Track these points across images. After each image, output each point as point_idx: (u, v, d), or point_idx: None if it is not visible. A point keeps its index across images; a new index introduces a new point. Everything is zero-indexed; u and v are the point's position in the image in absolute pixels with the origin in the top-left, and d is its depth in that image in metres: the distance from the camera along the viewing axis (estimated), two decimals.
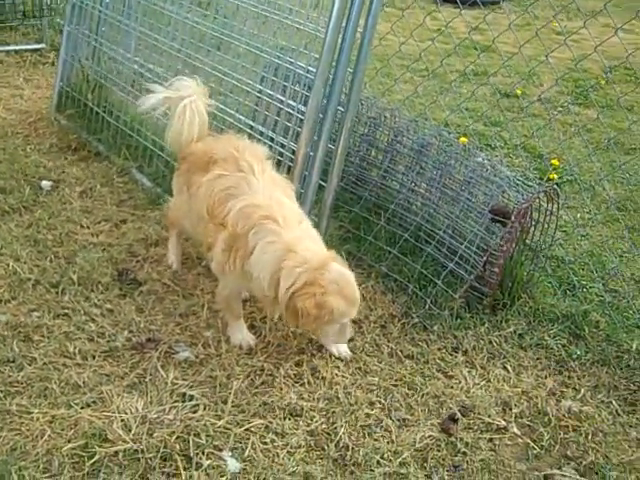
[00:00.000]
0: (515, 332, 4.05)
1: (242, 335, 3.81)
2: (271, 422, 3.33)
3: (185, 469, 3.05)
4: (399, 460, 3.18)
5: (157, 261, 4.42)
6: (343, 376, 3.66)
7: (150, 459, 3.07)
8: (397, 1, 8.66)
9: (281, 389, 3.53)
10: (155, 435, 3.18)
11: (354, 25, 4.26)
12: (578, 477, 3.20)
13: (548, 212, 4.27)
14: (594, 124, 6.91)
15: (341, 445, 3.24)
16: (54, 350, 3.65)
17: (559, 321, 4.14)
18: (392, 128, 5.01)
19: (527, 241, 4.30)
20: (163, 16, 5.52)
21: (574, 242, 4.93)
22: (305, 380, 3.60)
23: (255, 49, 4.91)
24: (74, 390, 3.41)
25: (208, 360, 3.69)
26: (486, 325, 4.07)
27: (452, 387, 3.65)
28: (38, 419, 3.22)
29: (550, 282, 4.44)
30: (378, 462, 3.17)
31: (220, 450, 3.16)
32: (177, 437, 3.18)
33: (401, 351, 3.86)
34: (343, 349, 3.79)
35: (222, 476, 3.04)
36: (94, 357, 3.63)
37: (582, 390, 3.68)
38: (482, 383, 3.69)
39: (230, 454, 3.15)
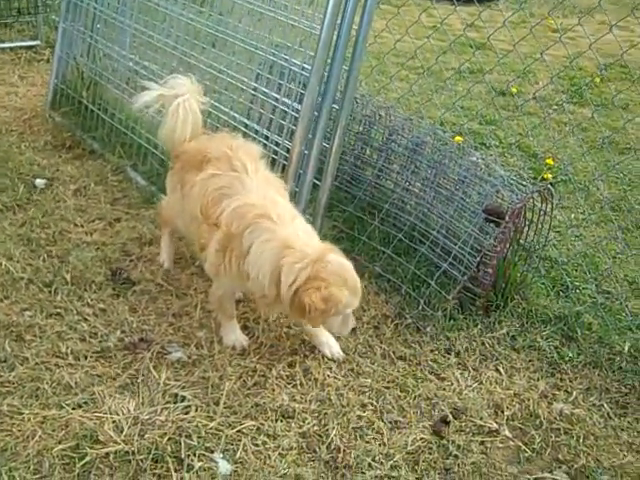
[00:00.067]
0: (508, 334, 4.05)
1: (235, 336, 3.81)
2: (263, 424, 3.32)
3: (176, 471, 3.05)
4: (390, 463, 3.19)
5: (151, 260, 4.41)
6: (335, 378, 3.65)
7: (141, 460, 3.07)
8: None
9: (273, 390, 3.53)
10: (146, 436, 3.18)
11: (349, 22, 4.24)
12: None
13: (542, 212, 4.26)
14: (589, 123, 6.91)
15: (333, 447, 3.24)
16: (46, 350, 3.64)
17: (552, 323, 4.14)
18: (387, 127, 5.00)
19: (521, 241, 4.29)
20: (158, 13, 5.51)
21: (568, 243, 4.93)
22: (297, 381, 3.60)
23: (250, 46, 4.90)
24: (66, 391, 3.40)
25: (201, 361, 3.68)
26: (479, 326, 4.07)
27: (444, 389, 3.65)
28: (29, 420, 3.21)
29: (543, 283, 4.44)
30: (369, 465, 3.17)
31: (211, 452, 3.16)
32: (169, 438, 3.18)
33: (394, 352, 3.86)
34: (336, 350, 3.78)
35: (213, 478, 3.04)
36: (86, 357, 3.62)
37: (574, 393, 3.68)
38: (474, 385, 3.69)
39: (221, 456, 3.15)
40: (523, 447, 3.34)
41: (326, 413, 3.42)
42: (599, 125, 6.90)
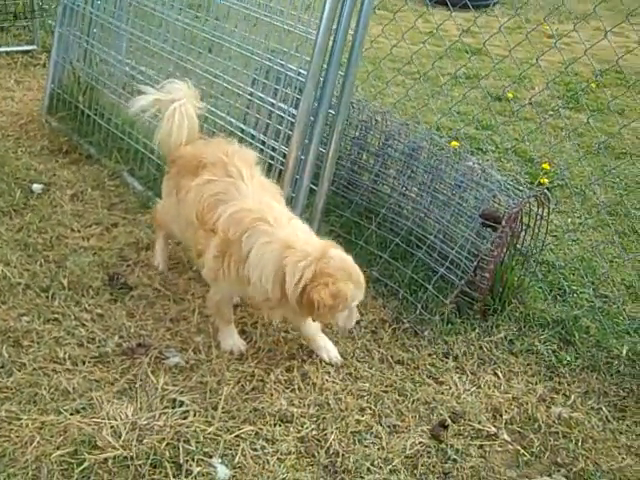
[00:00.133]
0: (506, 338, 4.05)
1: (233, 340, 3.80)
2: (261, 428, 3.32)
3: (175, 476, 3.05)
4: (389, 467, 3.18)
5: (148, 265, 4.41)
6: (334, 382, 3.65)
7: (140, 466, 3.07)
8: (389, 4, 8.66)
9: (271, 395, 3.53)
10: (145, 442, 3.18)
11: (345, 27, 4.26)
12: None
13: (539, 217, 4.27)
14: (585, 128, 6.92)
15: (331, 452, 3.24)
16: (44, 355, 3.64)
17: (549, 327, 4.14)
18: (383, 132, 5.01)
19: (518, 246, 4.30)
20: (154, 18, 5.51)
21: (565, 247, 4.94)
22: (296, 386, 3.60)
23: (246, 52, 4.90)
24: (64, 396, 3.39)
25: (198, 366, 3.68)
26: (477, 330, 4.07)
27: (442, 393, 3.65)
28: (27, 425, 3.21)
29: (541, 287, 4.45)
30: (368, 469, 3.17)
31: (210, 457, 3.15)
32: (167, 444, 3.18)
33: (392, 357, 3.86)
34: (334, 354, 3.78)
35: None
36: (84, 363, 3.61)
37: (572, 396, 3.68)
38: (472, 389, 3.69)
39: (220, 461, 3.14)
40: (522, 451, 3.34)
41: (324, 417, 3.42)
42: (595, 130, 6.91)
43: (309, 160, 4.44)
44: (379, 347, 3.93)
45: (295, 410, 3.44)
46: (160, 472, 3.05)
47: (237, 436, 3.27)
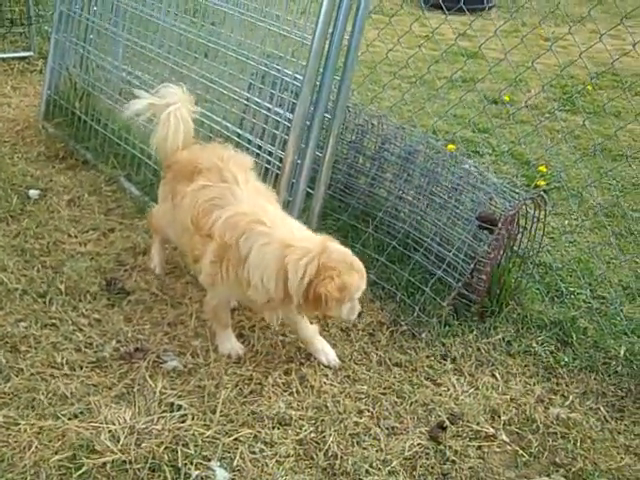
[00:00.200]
0: (503, 339, 4.05)
1: (230, 344, 3.80)
2: (260, 431, 3.32)
3: None
4: (388, 469, 3.18)
5: (145, 270, 4.41)
6: (332, 385, 3.65)
7: (138, 470, 3.07)
8: (385, 8, 8.68)
9: (270, 398, 3.53)
10: (143, 446, 3.17)
11: (341, 32, 4.27)
12: None
13: (535, 219, 4.27)
14: (581, 130, 6.93)
15: (330, 454, 3.23)
16: (41, 361, 3.63)
17: (547, 328, 4.14)
18: (380, 135, 5.02)
19: (515, 248, 4.30)
20: (151, 24, 5.52)
21: (562, 249, 4.95)
22: (294, 389, 3.60)
23: (242, 56, 4.92)
24: (62, 401, 3.39)
25: (196, 369, 3.68)
26: (474, 332, 4.07)
27: (441, 395, 3.64)
28: (25, 430, 3.20)
29: (538, 289, 4.45)
30: (367, 471, 3.16)
31: (209, 460, 3.15)
32: (165, 447, 3.17)
33: (390, 359, 3.86)
34: (332, 357, 3.79)
35: None
36: (82, 367, 3.61)
37: (570, 397, 3.68)
38: (470, 391, 3.69)
39: (219, 464, 3.14)
40: (520, 451, 3.34)
41: (323, 420, 3.41)
42: (591, 132, 6.92)
43: (305, 164, 4.45)
44: (377, 349, 3.93)
45: (293, 413, 3.44)
46: (159, 476, 3.05)
47: (235, 439, 3.27)
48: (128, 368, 3.64)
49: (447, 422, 3.45)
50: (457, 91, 7.83)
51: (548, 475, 3.23)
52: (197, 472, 3.08)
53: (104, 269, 4.38)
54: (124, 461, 3.09)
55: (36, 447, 3.13)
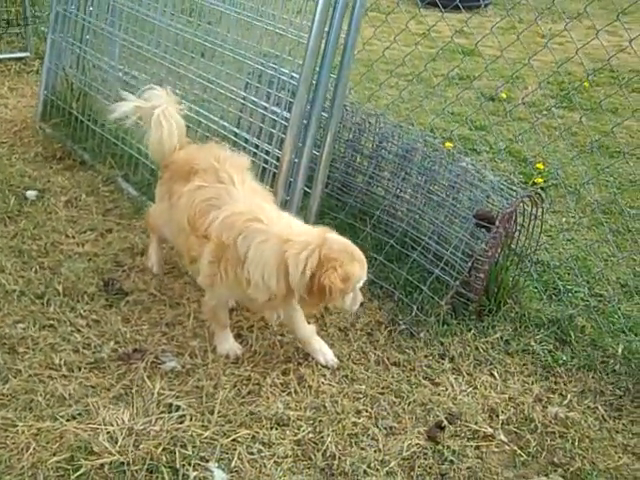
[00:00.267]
0: (501, 338, 4.05)
1: (229, 344, 3.80)
2: (258, 432, 3.31)
3: None
4: (386, 469, 3.18)
5: (143, 270, 4.41)
6: (330, 384, 3.65)
7: (136, 471, 3.06)
8: (381, 6, 8.67)
9: (268, 398, 3.52)
10: (141, 447, 3.17)
11: (337, 30, 4.27)
12: None
13: (533, 216, 4.27)
14: (578, 127, 6.94)
15: (328, 454, 3.23)
16: (39, 362, 3.63)
17: (545, 326, 4.14)
18: (377, 134, 5.02)
19: (512, 246, 4.30)
20: (147, 24, 5.51)
21: (559, 246, 4.94)
22: (292, 389, 3.60)
23: (239, 56, 4.92)
24: (59, 402, 3.39)
25: (195, 370, 3.67)
26: (472, 331, 4.07)
27: (439, 394, 3.64)
28: (23, 432, 3.20)
29: (536, 287, 4.45)
30: (365, 471, 3.16)
31: (207, 461, 3.15)
32: (163, 448, 3.17)
33: (388, 358, 3.86)
34: (330, 357, 3.78)
35: None
36: (80, 369, 3.61)
37: (568, 396, 3.68)
38: (469, 390, 3.69)
39: (217, 465, 3.13)
40: (518, 451, 3.33)
41: (321, 420, 3.41)
42: (588, 129, 6.93)
43: (303, 163, 4.45)
44: (375, 349, 3.93)
45: (291, 413, 3.44)
46: (157, 477, 3.05)
47: (234, 440, 3.26)
48: (126, 369, 3.64)
49: (445, 422, 3.45)
50: (454, 89, 7.83)
51: (546, 475, 3.23)
52: (195, 473, 3.08)
53: (102, 270, 4.38)
54: (122, 462, 3.08)
55: (34, 449, 3.12)
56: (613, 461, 3.31)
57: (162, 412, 3.38)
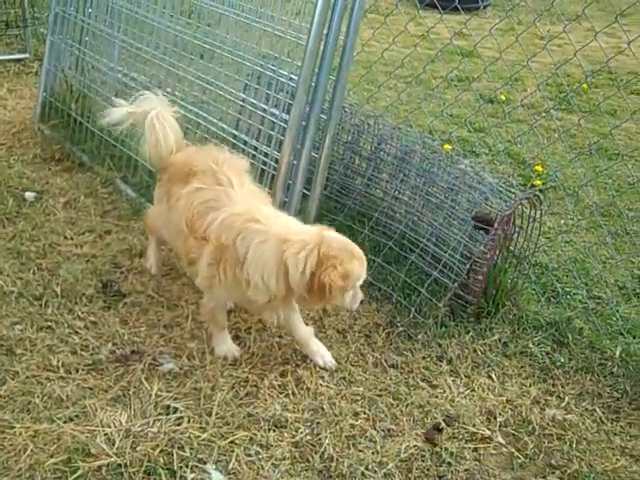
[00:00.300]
0: (499, 340, 4.05)
1: (227, 346, 3.80)
2: (255, 434, 3.32)
3: None
4: (384, 471, 3.18)
5: (141, 272, 4.41)
6: (328, 386, 3.65)
7: (134, 473, 3.06)
8: (380, 7, 8.68)
9: (265, 400, 3.52)
10: (139, 449, 3.17)
11: (336, 32, 4.27)
12: None
13: (531, 219, 4.27)
14: (577, 129, 6.94)
15: (326, 456, 3.23)
16: (37, 364, 3.63)
17: (543, 329, 4.14)
18: (376, 135, 5.02)
19: (511, 248, 4.30)
20: (146, 25, 5.51)
21: (558, 248, 4.94)
22: (290, 391, 3.60)
23: (238, 57, 4.91)
24: (57, 404, 3.39)
25: (192, 372, 3.67)
26: (470, 333, 4.07)
27: (437, 396, 3.64)
28: (21, 434, 3.20)
29: (534, 289, 4.45)
30: (363, 473, 3.16)
31: (204, 463, 3.15)
32: (161, 450, 3.17)
33: (386, 361, 3.86)
34: (328, 359, 3.78)
35: None
36: (77, 370, 3.61)
37: (566, 398, 3.68)
38: (467, 392, 3.69)
39: (214, 467, 3.13)
40: (516, 453, 3.34)
41: (319, 422, 3.41)
42: (587, 131, 6.93)
43: (301, 165, 4.45)
44: (373, 351, 3.93)
45: (289, 415, 3.44)
46: (154, 479, 3.05)
47: (231, 442, 3.26)
48: (124, 371, 3.64)
49: (443, 424, 3.45)
50: (453, 90, 7.83)
51: (544, 477, 3.23)
52: (193, 475, 3.08)
53: (100, 271, 4.38)
54: (119, 464, 3.09)
55: (31, 450, 3.13)
56: (611, 463, 3.31)
57: (160, 414, 3.38)
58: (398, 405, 3.57)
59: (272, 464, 3.17)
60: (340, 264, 3.31)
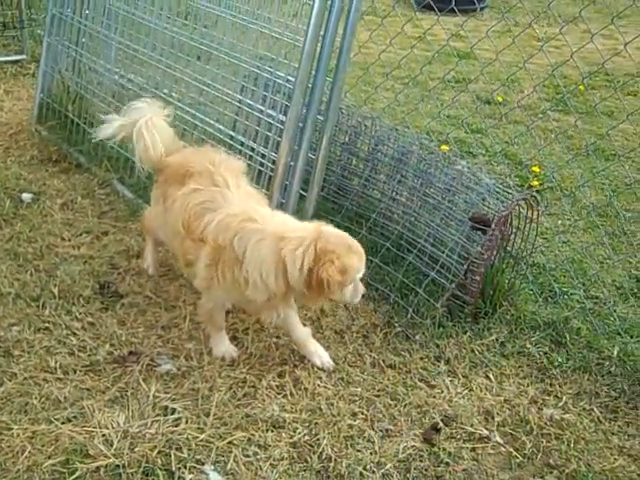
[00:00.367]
0: (497, 340, 4.05)
1: (224, 347, 3.80)
2: (253, 434, 3.32)
3: None
4: (382, 471, 3.18)
5: (139, 273, 4.41)
6: (325, 387, 3.65)
7: (132, 474, 3.06)
8: (377, 9, 8.68)
9: (263, 401, 3.52)
10: (137, 450, 3.17)
11: (332, 33, 4.27)
12: None
13: (528, 219, 4.28)
14: (574, 130, 6.95)
15: (324, 457, 3.23)
16: (35, 365, 3.63)
17: (540, 328, 4.14)
18: (373, 137, 5.02)
19: (508, 249, 4.30)
20: (143, 27, 5.51)
21: (555, 249, 4.95)
22: (287, 391, 3.60)
23: (234, 59, 4.91)
24: (55, 405, 3.39)
25: (190, 372, 3.67)
26: (468, 334, 4.08)
27: (434, 397, 3.65)
28: (18, 435, 3.20)
29: (531, 289, 4.46)
30: (361, 474, 3.16)
31: (202, 464, 3.15)
32: (159, 451, 3.17)
33: (383, 361, 3.86)
34: (325, 359, 3.78)
35: None
36: (75, 371, 3.61)
37: (564, 398, 3.69)
38: (464, 392, 3.69)
39: (212, 468, 3.14)
40: (514, 453, 3.34)
41: (317, 423, 3.41)
42: (584, 132, 6.94)
43: (298, 166, 4.45)
44: (371, 351, 3.93)
45: (287, 416, 3.44)
46: None
47: (229, 442, 3.26)
48: (122, 372, 3.64)
49: (441, 424, 3.45)
50: (450, 92, 7.84)
51: (542, 477, 3.23)
52: (191, 476, 3.08)
53: (97, 272, 4.38)
54: (117, 465, 3.09)
55: (29, 452, 3.12)
56: (609, 463, 3.31)
57: (158, 415, 3.38)
58: (396, 405, 3.57)
59: (270, 464, 3.17)
60: (337, 259, 3.30)
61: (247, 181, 3.86)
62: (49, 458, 3.10)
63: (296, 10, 4.62)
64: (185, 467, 3.11)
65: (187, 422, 3.35)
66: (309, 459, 3.22)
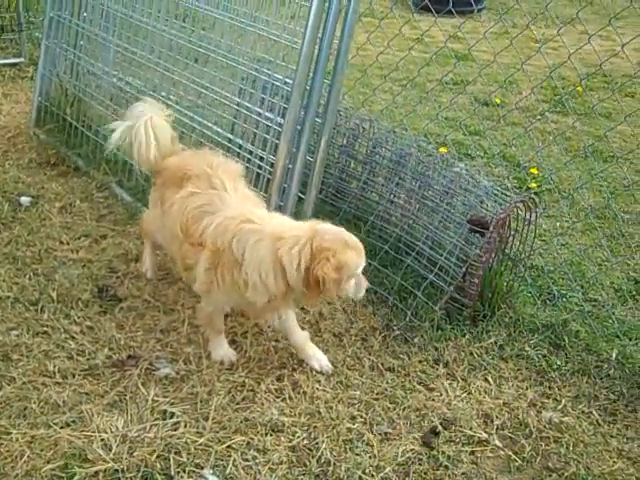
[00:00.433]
0: (496, 343, 4.05)
1: (223, 350, 3.80)
2: (252, 438, 3.31)
3: None
4: (381, 475, 3.18)
5: (137, 277, 4.40)
6: (324, 390, 3.65)
7: (131, 478, 3.06)
8: (375, 11, 8.69)
9: (262, 404, 3.52)
10: (136, 454, 3.17)
11: (330, 36, 4.27)
12: None
13: (527, 221, 4.28)
14: (572, 132, 6.95)
15: (323, 460, 3.23)
16: (33, 369, 3.62)
17: (539, 331, 4.15)
18: (371, 139, 5.02)
19: (506, 251, 4.30)
20: (141, 29, 5.51)
21: (553, 251, 4.95)
22: (286, 395, 3.60)
23: (233, 61, 4.91)
24: (53, 410, 3.38)
25: (189, 376, 3.67)
26: (467, 336, 4.08)
27: (433, 400, 3.64)
28: (17, 440, 3.19)
29: (530, 292, 4.45)
30: (360, 477, 3.16)
31: (201, 468, 3.15)
32: (158, 456, 3.17)
33: (382, 364, 3.86)
34: (324, 363, 3.78)
35: None
36: (74, 376, 3.60)
37: (563, 401, 3.69)
38: (463, 395, 3.69)
39: (211, 472, 3.13)
40: (513, 456, 3.34)
41: (316, 426, 3.41)
42: (582, 134, 6.95)
43: (297, 169, 4.45)
44: (369, 355, 3.93)
45: (286, 419, 3.44)
46: None
47: (228, 446, 3.26)
48: (120, 376, 3.63)
49: (440, 427, 3.45)
50: (448, 93, 7.85)
51: None
52: None
53: (96, 276, 4.38)
54: (116, 470, 3.08)
55: (28, 456, 3.12)
56: (608, 466, 3.32)
57: (156, 419, 3.38)
58: (395, 409, 3.57)
59: (269, 468, 3.17)
60: (333, 255, 3.28)
61: (245, 184, 3.86)
62: (48, 463, 3.09)
63: (294, 12, 4.63)
64: (184, 471, 3.11)
65: (186, 426, 3.35)
66: (308, 463, 3.22)
